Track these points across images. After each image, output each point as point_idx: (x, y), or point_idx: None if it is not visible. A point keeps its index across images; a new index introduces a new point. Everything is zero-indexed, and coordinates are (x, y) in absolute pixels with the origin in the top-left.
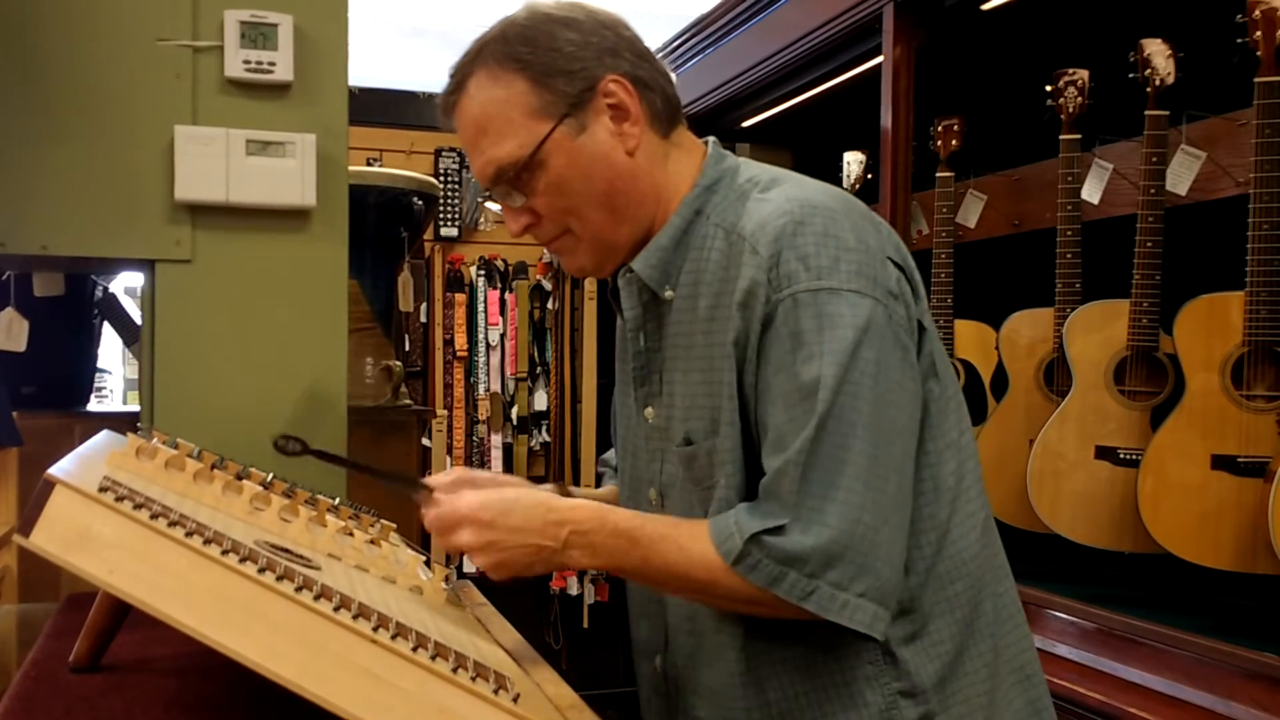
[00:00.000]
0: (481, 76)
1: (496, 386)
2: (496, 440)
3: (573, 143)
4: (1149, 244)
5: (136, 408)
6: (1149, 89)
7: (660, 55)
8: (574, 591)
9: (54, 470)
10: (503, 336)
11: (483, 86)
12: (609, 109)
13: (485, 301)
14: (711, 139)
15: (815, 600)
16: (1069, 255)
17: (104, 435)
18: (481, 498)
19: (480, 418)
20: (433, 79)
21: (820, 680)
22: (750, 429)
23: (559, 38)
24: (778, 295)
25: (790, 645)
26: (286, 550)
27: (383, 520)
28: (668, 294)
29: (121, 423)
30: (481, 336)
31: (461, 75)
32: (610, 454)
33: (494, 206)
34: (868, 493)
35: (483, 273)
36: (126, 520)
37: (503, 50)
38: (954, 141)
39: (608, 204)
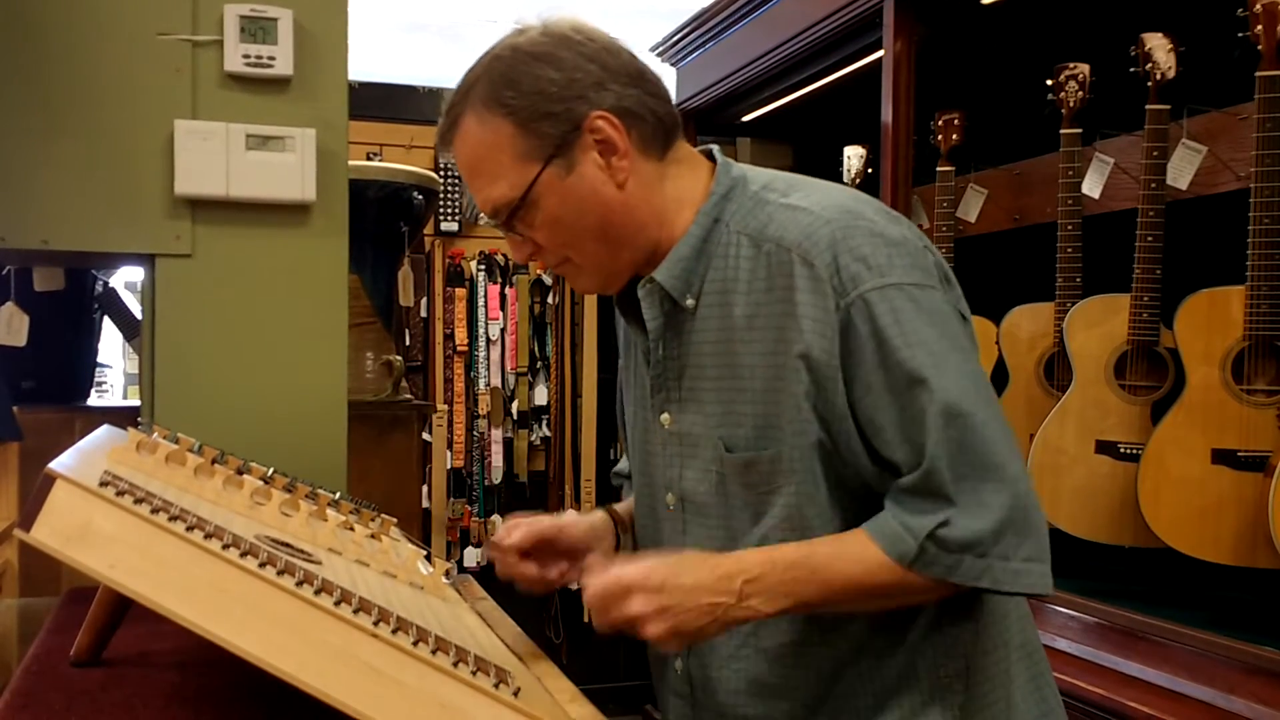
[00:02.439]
0: (469, 119)
1: (497, 381)
2: (497, 435)
3: (562, 183)
4: (1149, 238)
5: (137, 402)
6: (1150, 83)
7: (660, 50)
8: (575, 586)
9: (55, 465)
10: (503, 331)
11: (470, 129)
12: (596, 145)
13: (485, 296)
14: (714, 147)
15: (990, 577)
16: (1069, 250)
17: (104, 430)
18: (645, 564)
19: (480, 412)
20: (433, 73)
21: (870, 666)
22: (832, 434)
23: (541, 79)
24: (846, 300)
25: (837, 632)
26: (287, 545)
27: (383, 515)
28: (689, 302)
29: (122, 417)
30: (482, 331)
31: (454, 115)
32: (622, 464)
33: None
34: (1009, 462)
35: (483, 267)
36: (127, 515)
37: (488, 94)
38: (954, 136)
39: (603, 237)
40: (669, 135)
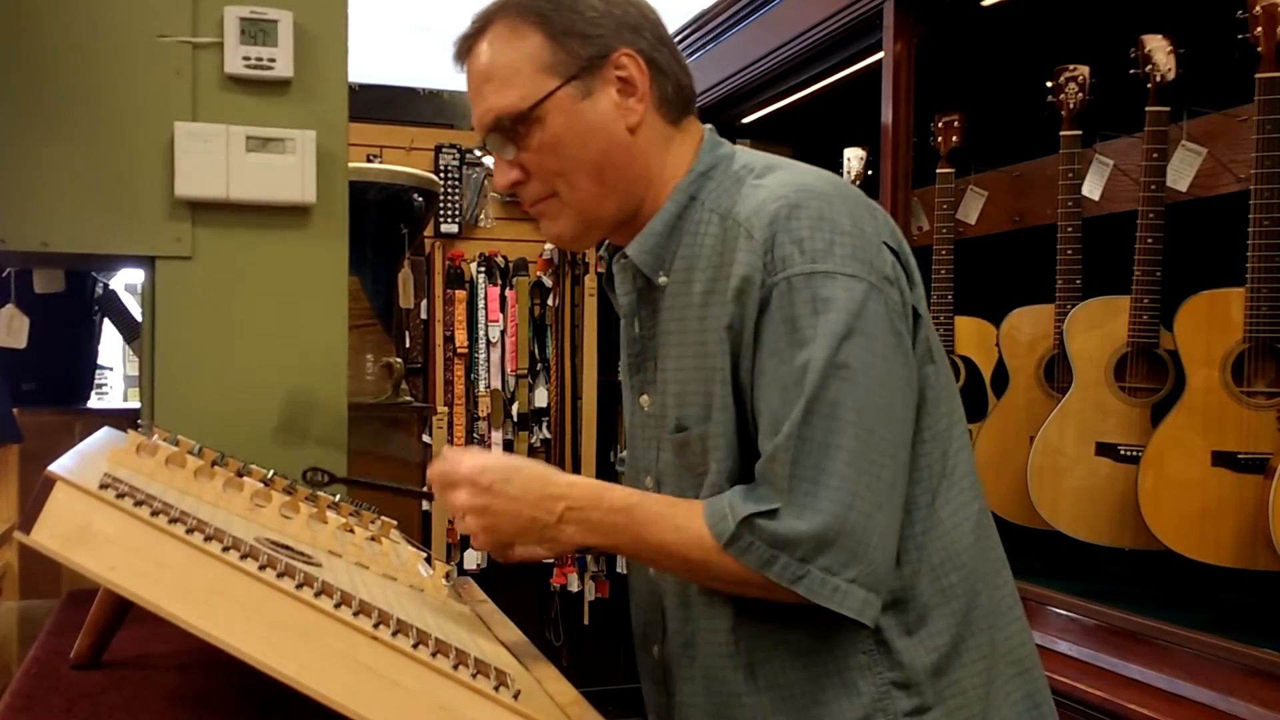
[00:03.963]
0: (500, 26)
1: (497, 383)
2: (497, 437)
3: (575, 106)
4: (1149, 240)
5: (137, 405)
6: (1150, 85)
7: None
8: (574, 588)
9: (54, 467)
10: (503, 333)
11: (499, 35)
12: (618, 81)
13: (485, 298)
14: (708, 126)
15: (805, 584)
16: (1069, 251)
17: (104, 432)
18: (484, 461)
19: (481, 414)
20: (433, 75)
21: (814, 669)
22: (746, 414)
23: (583, 2)
24: (772, 279)
25: (785, 631)
26: (287, 547)
27: (383, 517)
28: (661, 280)
29: (122, 420)
30: (482, 333)
31: (482, 22)
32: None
33: (489, 161)
34: (861, 478)
35: (483, 269)
36: (127, 517)
37: (527, 4)
38: (954, 137)
39: (598, 174)
40: (685, 106)
